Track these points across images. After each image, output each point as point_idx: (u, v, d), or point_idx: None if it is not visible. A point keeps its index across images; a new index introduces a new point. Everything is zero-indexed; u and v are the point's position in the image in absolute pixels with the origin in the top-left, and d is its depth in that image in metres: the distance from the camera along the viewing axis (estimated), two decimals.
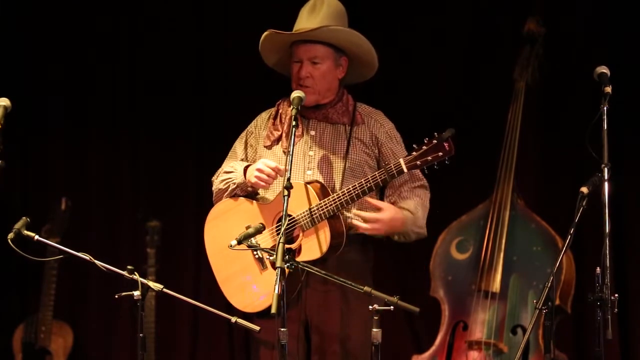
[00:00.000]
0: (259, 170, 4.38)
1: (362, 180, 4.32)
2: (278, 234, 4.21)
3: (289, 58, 4.53)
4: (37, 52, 6.62)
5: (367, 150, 4.52)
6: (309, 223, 4.33)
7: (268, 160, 4.41)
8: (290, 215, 4.32)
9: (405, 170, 4.25)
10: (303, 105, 4.43)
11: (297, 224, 4.35)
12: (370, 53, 4.52)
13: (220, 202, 4.54)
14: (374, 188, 4.31)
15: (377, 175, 4.30)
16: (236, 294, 4.45)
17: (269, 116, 4.60)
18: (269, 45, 4.53)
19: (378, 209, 4.38)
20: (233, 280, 4.45)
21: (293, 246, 4.36)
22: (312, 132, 4.52)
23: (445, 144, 4.19)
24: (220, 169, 4.63)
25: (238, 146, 4.66)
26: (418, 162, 4.22)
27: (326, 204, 4.31)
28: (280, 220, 4.26)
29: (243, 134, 4.66)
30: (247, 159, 4.61)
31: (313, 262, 4.28)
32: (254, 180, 4.40)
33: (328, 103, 4.52)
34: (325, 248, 4.32)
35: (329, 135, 4.52)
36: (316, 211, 4.31)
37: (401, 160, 4.26)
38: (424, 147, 4.21)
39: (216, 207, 4.55)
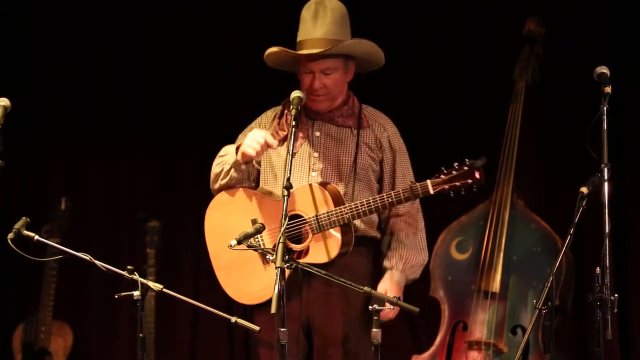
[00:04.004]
0: (250, 138, 4.32)
1: (384, 194, 4.30)
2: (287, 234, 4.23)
3: (291, 60, 4.48)
4: (37, 51, 6.62)
5: (372, 154, 4.52)
6: (322, 227, 4.30)
7: (259, 131, 4.36)
8: (301, 216, 4.32)
9: (432, 192, 4.21)
10: (309, 107, 4.43)
11: (306, 225, 4.33)
12: (379, 56, 4.51)
13: (224, 192, 4.48)
14: (395, 204, 4.29)
15: (400, 192, 4.26)
16: (233, 283, 4.43)
17: (275, 115, 4.57)
18: (274, 58, 4.50)
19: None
20: (232, 270, 4.42)
21: (300, 247, 4.34)
22: (317, 133, 4.50)
23: (476, 172, 4.17)
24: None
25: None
26: (446, 187, 4.19)
27: (342, 212, 4.29)
28: (292, 219, 4.29)
29: (247, 131, 4.58)
30: None
31: (317, 265, 4.26)
32: (246, 149, 4.32)
33: (336, 106, 4.50)
34: (334, 254, 4.32)
35: (334, 137, 4.50)
36: (332, 216, 4.29)
37: (428, 182, 4.21)
38: (454, 172, 4.18)
39: (220, 196, 4.49)
